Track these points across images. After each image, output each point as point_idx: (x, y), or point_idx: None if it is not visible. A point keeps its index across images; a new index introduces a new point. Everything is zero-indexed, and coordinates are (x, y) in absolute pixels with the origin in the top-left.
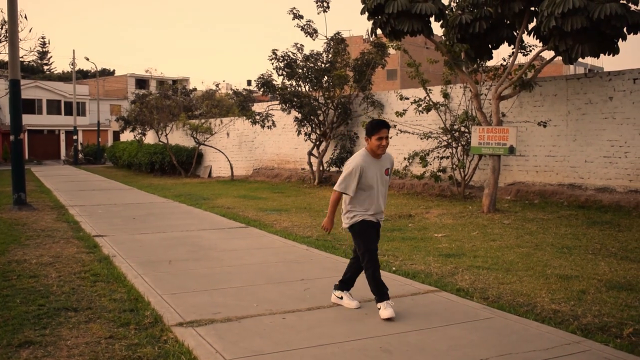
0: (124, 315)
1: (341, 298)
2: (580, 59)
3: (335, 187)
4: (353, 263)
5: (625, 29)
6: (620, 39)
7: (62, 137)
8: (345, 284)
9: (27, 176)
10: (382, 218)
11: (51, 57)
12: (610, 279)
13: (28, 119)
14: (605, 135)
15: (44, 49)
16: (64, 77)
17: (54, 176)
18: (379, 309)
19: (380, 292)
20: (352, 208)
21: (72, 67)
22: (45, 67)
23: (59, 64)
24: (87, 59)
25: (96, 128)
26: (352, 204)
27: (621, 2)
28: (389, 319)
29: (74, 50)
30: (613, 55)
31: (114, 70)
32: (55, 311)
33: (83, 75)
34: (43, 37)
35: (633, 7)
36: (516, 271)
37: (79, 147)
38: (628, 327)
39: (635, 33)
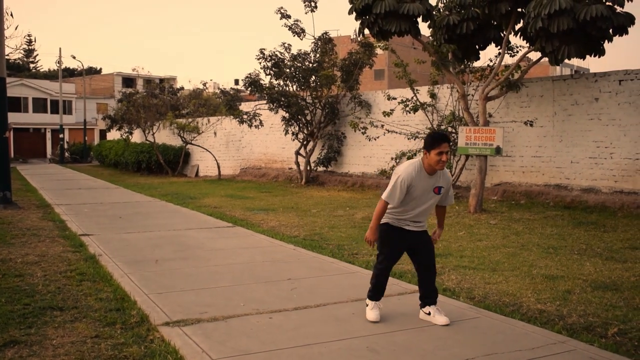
0: (110, 315)
1: (429, 314)
2: (566, 60)
3: (383, 196)
4: (419, 277)
5: (610, 31)
6: (606, 41)
7: (48, 135)
8: (426, 299)
9: (12, 175)
10: (423, 227)
11: (37, 55)
12: (596, 279)
13: (14, 117)
14: (591, 136)
15: (30, 47)
16: (50, 75)
17: (39, 175)
18: (367, 305)
19: (375, 291)
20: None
21: (58, 65)
22: (32, 65)
23: (45, 62)
24: (74, 57)
25: (83, 127)
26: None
27: (607, 3)
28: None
29: (60, 49)
30: (599, 57)
31: (100, 69)
32: (41, 310)
33: (69, 73)
34: (29, 35)
35: (619, 8)
36: (502, 271)
37: (65, 146)
38: (613, 327)
39: (621, 35)
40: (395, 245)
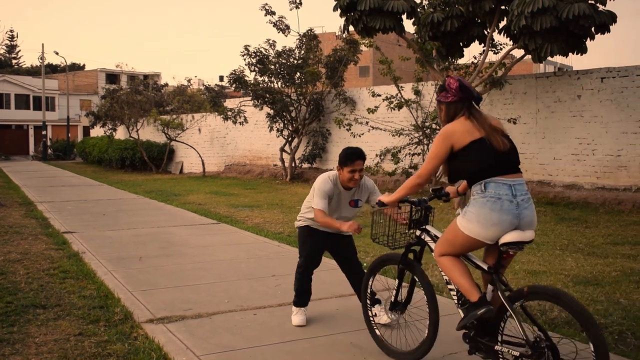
0: (93, 312)
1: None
2: (549, 58)
3: (313, 206)
4: (350, 280)
5: (593, 29)
6: (588, 39)
7: (31, 132)
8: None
9: None
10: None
11: (19, 50)
12: (577, 274)
13: None
14: (573, 133)
15: (12, 43)
16: (33, 72)
17: (22, 172)
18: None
19: (299, 296)
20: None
21: (41, 61)
22: (14, 61)
23: (28, 57)
24: (57, 53)
25: (66, 123)
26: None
27: (589, 2)
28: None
29: (43, 44)
30: (581, 55)
31: (84, 65)
32: (24, 308)
33: (52, 69)
34: (11, 31)
35: (601, 7)
36: None
37: (48, 143)
38: None
39: (603, 33)
40: (315, 246)
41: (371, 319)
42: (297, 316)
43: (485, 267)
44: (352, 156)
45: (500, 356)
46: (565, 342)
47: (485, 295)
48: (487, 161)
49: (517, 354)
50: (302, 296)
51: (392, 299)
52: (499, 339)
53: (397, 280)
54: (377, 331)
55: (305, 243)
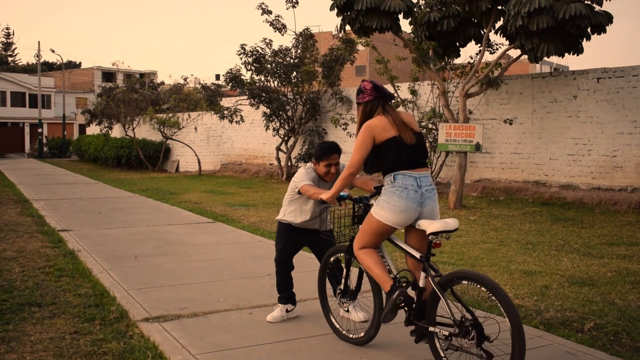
0: (89, 311)
1: (347, 311)
2: (545, 58)
3: (298, 184)
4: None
5: (589, 29)
6: (584, 39)
7: (27, 130)
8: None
9: None
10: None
11: (16, 48)
12: (573, 274)
13: None
14: (569, 133)
15: (8, 40)
16: (29, 69)
17: (18, 170)
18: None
19: (281, 291)
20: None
21: (37, 58)
22: (10, 59)
23: (24, 55)
24: (53, 51)
25: (62, 121)
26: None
27: (586, 2)
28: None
29: (39, 42)
30: (577, 55)
31: (80, 63)
32: (19, 306)
33: (48, 67)
34: (7, 28)
35: (597, 7)
36: (481, 267)
37: (44, 141)
38: (589, 322)
39: (599, 33)
40: (290, 240)
41: (330, 313)
42: (275, 312)
43: (417, 255)
44: (328, 150)
45: (436, 337)
46: (491, 320)
47: (396, 282)
48: (398, 156)
49: (447, 333)
50: (285, 292)
51: (342, 287)
52: (435, 321)
53: (344, 269)
54: (333, 320)
55: (281, 238)
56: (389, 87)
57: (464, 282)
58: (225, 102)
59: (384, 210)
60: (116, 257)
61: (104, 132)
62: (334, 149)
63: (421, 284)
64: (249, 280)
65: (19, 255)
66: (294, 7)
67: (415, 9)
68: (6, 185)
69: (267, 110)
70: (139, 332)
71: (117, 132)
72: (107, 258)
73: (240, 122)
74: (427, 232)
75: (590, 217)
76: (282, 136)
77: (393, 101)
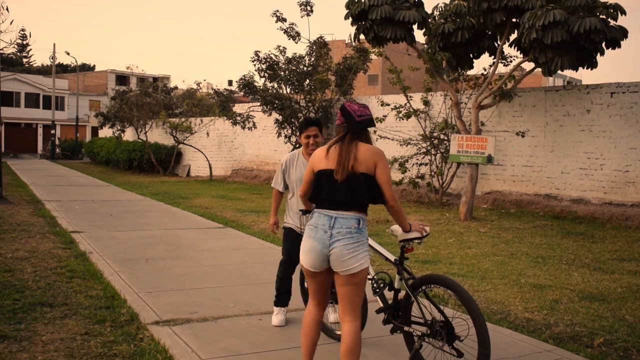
0: (99, 312)
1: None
2: (559, 71)
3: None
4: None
5: (603, 44)
6: (598, 53)
7: (40, 131)
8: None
9: (3, 169)
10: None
11: (31, 49)
12: (583, 289)
13: (5, 112)
14: (581, 147)
15: (24, 42)
16: (44, 71)
17: (30, 170)
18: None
19: (279, 296)
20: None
21: (52, 60)
22: (25, 60)
23: (39, 57)
24: (68, 53)
25: (74, 123)
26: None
27: (600, 17)
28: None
29: (54, 44)
30: (591, 69)
31: (94, 66)
32: (31, 306)
33: (63, 69)
34: (23, 30)
35: (612, 22)
36: (491, 279)
37: (57, 142)
38: (599, 337)
39: (614, 48)
40: (296, 244)
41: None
42: (277, 317)
43: (392, 259)
44: (306, 122)
45: (411, 336)
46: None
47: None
48: (319, 191)
49: (419, 333)
50: (283, 296)
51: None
52: (410, 320)
53: None
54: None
55: (287, 242)
56: (401, 97)
57: (432, 285)
58: (238, 108)
59: (301, 249)
60: (127, 260)
61: (116, 135)
62: (312, 122)
63: (396, 285)
64: (259, 287)
65: (31, 256)
66: (308, 15)
67: (429, 20)
68: (19, 185)
69: (279, 117)
70: (149, 335)
71: (129, 135)
72: (118, 260)
73: (252, 129)
74: (399, 239)
75: (601, 232)
76: (293, 143)
77: (405, 111)
